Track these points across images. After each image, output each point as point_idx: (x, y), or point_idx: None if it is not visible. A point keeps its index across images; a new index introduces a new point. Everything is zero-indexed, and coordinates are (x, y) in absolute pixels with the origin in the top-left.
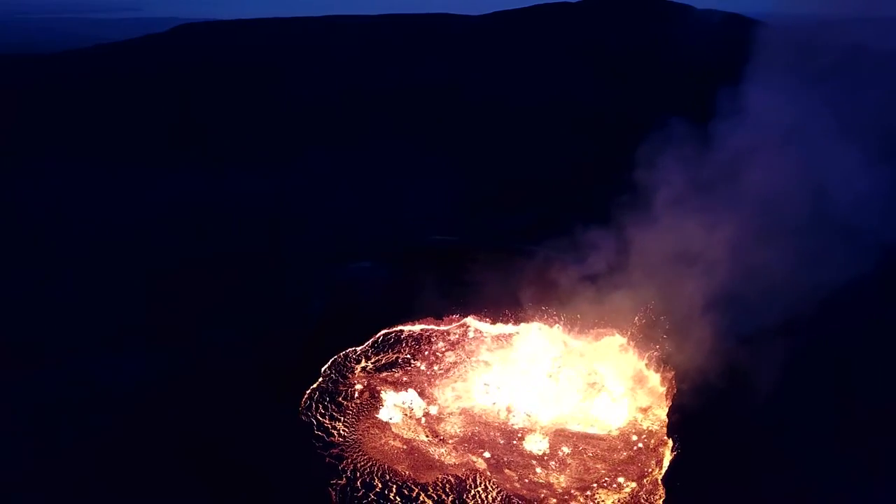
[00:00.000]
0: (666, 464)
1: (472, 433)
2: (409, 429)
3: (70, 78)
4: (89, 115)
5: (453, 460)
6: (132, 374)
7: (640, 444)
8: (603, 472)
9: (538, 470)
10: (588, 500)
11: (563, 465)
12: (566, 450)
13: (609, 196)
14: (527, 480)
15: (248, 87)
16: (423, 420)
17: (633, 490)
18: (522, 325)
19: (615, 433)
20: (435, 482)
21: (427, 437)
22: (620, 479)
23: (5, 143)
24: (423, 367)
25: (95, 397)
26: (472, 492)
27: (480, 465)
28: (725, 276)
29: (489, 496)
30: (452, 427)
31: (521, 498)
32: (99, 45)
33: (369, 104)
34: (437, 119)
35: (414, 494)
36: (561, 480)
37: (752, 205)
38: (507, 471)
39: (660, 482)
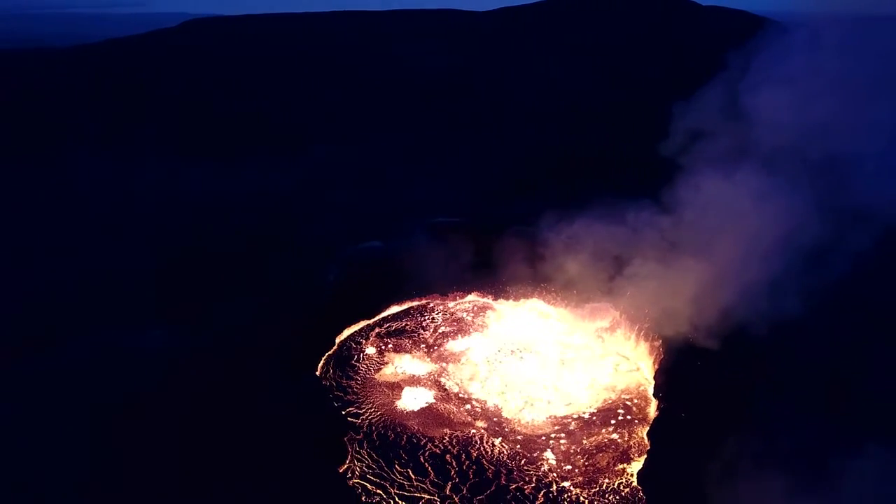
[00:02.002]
0: (650, 418)
1: (475, 399)
2: (418, 391)
3: (85, 72)
4: (104, 109)
5: (459, 420)
6: (160, 343)
7: (630, 404)
8: (596, 432)
9: (537, 434)
10: (584, 459)
11: (561, 429)
12: (562, 417)
13: (606, 186)
14: (527, 443)
15: (258, 81)
16: (430, 384)
17: (623, 447)
18: (522, 300)
19: (608, 394)
20: (442, 436)
21: (434, 399)
22: (614, 437)
23: (23, 135)
24: (429, 338)
25: (126, 364)
26: (477, 447)
27: (482, 426)
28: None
29: (494, 451)
30: (458, 392)
31: (522, 456)
32: (110, 39)
33: (376, 97)
34: (442, 111)
35: (422, 443)
36: (560, 444)
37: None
38: (507, 433)
39: (645, 436)
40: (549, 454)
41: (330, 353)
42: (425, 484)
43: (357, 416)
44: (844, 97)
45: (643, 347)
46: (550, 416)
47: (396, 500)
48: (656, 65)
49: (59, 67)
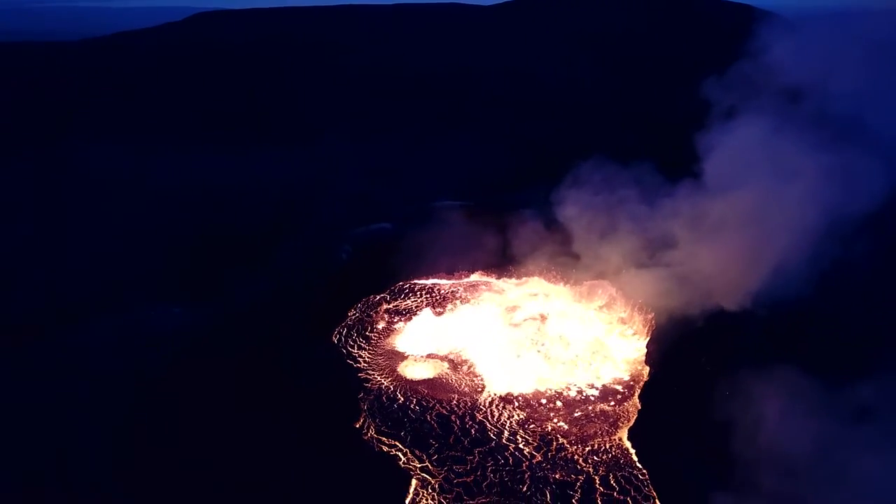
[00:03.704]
0: (642, 384)
1: (481, 370)
2: (425, 361)
3: (98, 65)
4: (120, 101)
5: (464, 389)
6: (182, 318)
7: (624, 373)
8: (594, 398)
9: (541, 404)
10: (579, 427)
11: (563, 401)
12: (564, 389)
13: (606, 179)
14: (531, 411)
15: (268, 74)
16: (438, 356)
17: (614, 410)
18: (524, 278)
19: (604, 365)
20: (450, 400)
21: (441, 369)
22: (605, 407)
23: (42, 127)
24: (435, 312)
25: (151, 338)
26: (484, 411)
27: (486, 394)
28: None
29: (502, 416)
30: (464, 363)
31: (525, 420)
32: (119, 32)
33: (384, 89)
34: (447, 104)
35: (430, 405)
36: (561, 413)
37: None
38: (512, 402)
39: (637, 399)
40: (550, 421)
41: (342, 325)
42: (432, 437)
43: (368, 380)
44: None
45: (637, 319)
46: (554, 389)
47: (411, 448)
48: (659, 57)
49: (72, 60)
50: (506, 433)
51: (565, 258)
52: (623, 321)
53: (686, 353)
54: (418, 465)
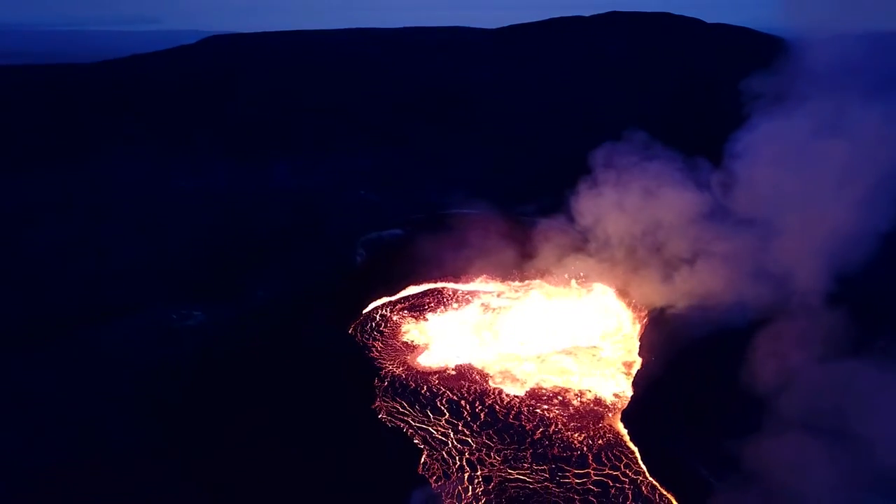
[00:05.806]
0: (634, 372)
1: (489, 363)
2: (436, 354)
3: (116, 84)
4: (140, 118)
5: (474, 378)
6: (203, 317)
7: (619, 362)
8: (591, 390)
9: (548, 393)
10: (577, 412)
11: (560, 388)
12: (563, 378)
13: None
14: (537, 399)
15: (281, 92)
16: (448, 350)
17: (609, 399)
18: (527, 281)
19: (600, 356)
20: (460, 387)
21: (452, 361)
22: (601, 397)
23: (69, 142)
24: (445, 312)
25: (168, 336)
26: (493, 397)
27: (494, 383)
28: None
29: (511, 402)
30: (472, 357)
31: (528, 410)
32: (135, 55)
33: (392, 109)
34: (455, 121)
35: (441, 392)
36: (558, 402)
37: None
38: (521, 391)
39: (630, 385)
40: (549, 409)
41: (356, 322)
42: (441, 421)
43: (380, 369)
44: None
45: (631, 314)
46: (553, 381)
47: (419, 426)
48: (663, 81)
49: (91, 80)
50: (510, 417)
51: (565, 261)
52: (617, 316)
53: (680, 345)
54: (427, 439)
